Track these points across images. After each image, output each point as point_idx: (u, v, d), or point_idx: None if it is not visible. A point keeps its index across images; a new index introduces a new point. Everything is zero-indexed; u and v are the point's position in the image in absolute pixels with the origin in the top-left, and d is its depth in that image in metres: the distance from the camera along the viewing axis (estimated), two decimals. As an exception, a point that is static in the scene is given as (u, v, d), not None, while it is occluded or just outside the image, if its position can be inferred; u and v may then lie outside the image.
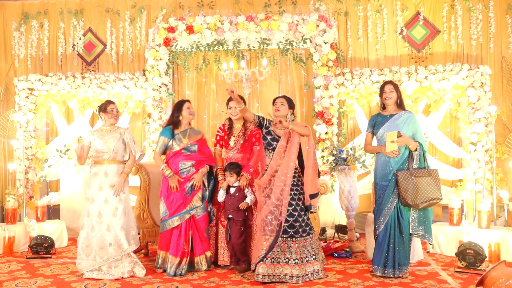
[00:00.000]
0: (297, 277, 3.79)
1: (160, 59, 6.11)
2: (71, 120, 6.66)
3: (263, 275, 3.79)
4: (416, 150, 3.92)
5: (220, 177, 4.42)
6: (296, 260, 3.84)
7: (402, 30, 6.18)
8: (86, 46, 6.70)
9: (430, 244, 4.01)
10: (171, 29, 6.01)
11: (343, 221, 5.59)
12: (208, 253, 4.32)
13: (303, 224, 3.94)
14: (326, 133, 5.83)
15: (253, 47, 6.12)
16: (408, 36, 6.20)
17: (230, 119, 4.55)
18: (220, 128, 4.63)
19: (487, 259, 4.25)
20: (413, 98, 5.88)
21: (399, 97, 4.12)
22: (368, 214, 4.71)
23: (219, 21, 5.94)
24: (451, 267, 4.32)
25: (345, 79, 5.85)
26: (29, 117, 6.23)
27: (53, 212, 6.39)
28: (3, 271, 4.33)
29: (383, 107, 4.21)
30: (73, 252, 5.13)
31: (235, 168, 4.25)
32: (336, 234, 5.55)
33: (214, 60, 6.20)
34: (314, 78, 5.95)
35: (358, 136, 6.13)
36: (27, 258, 4.81)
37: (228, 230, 4.22)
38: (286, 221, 3.86)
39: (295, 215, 3.89)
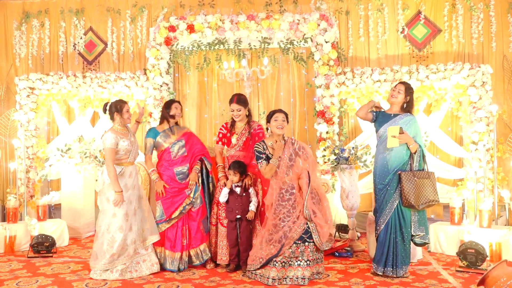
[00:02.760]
0: (308, 278, 3.81)
1: (161, 58, 6.11)
2: (72, 119, 6.67)
3: (273, 279, 3.79)
4: (416, 152, 3.94)
5: (220, 174, 4.43)
6: (309, 262, 3.85)
7: (403, 29, 6.17)
8: (87, 45, 6.70)
9: (428, 243, 4.04)
10: (172, 28, 6.00)
11: (344, 220, 5.59)
12: (203, 246, 4.36)
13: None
14: (327, 132, 5.83)
15: (254, 46, 6.11)
16: (409, 35, 6.18)
17: (232, 119, 4.56)
18: (223, 126, 4.64)
19: (488, 258, 4.26)
20: (414, 97, 5.86)
21: (407, 102, 4.09)
22: (369, 214, 4.70)
23: (220, 20, 5.94)
24: (452, 266, 4.32)
25: (346, 78, 5.84)
26: (30, 116, 6.23)
27: (54, 211, 6.41)
28: (4, 270, 4.34)
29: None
30: (74, 251, 5.14)
31: (239, 167, 4.22)
32: (337, 233, 5.54)
33: (215, 59, 6.19)
34: (315, 77, 5.94)
35: (359, 135, 6.13)
36: (28, 257, 4.82)
37: (237, 231, 4.21)
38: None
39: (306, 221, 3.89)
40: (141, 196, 4.33)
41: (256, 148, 4.03)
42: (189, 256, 4.35)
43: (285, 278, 3.80)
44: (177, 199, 4.28)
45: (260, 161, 3.98)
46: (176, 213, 4.27)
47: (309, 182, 3.90)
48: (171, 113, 4.43)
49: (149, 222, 4.29)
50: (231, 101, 4.45)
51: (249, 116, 4.53)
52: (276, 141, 3.97)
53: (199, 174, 4.43)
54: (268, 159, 3.97)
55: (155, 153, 4.50)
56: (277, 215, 3.90)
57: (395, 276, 3.92)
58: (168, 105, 4.50)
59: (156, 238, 4.26)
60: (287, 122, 4.06)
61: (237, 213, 4.17)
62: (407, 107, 4.10)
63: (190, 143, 4.45)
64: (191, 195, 4.31)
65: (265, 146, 4.03)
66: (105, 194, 4.11)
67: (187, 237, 4.33)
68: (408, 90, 4.09)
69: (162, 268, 4.28)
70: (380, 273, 3.95)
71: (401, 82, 4.17)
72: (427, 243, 4.07)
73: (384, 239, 3.95)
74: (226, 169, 4.41)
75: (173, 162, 4.34)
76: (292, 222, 3.84)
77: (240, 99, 4.42)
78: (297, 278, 3.79)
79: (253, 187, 4.28)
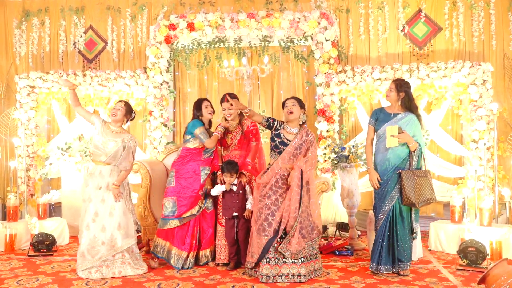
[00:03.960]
0: (304, 275, 3.80)
1: (161, 57, 6.10)
2: (72, 117, 6.66)
3: (267, 276, 3.78)
4: (415, 151, 3.93)
5: (218, 172, 4.44)
6: (303, 259, 3.84)
7: (403, 27, 6.16)
8: (87, 44, 6.69)
9: (415, 233, 4.03)
10: (172, 27, 6.00)
11: (345, 219, 5.59)
12: (213, 246, 4.41)
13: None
14: (327, 131, 5.83)
15: (254, 44, 6.10)
16: (410, 33, 6.17)
17: (225, 118, 4.57)
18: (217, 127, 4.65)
19: (488, 257, 4.25)
20: (414, 95, 5.86)
21: (402, 98, 4.02)
22: (370, 212, 4.70)
23: (220, 19, 5.93)
24: (452, 264, 4.32)
25: (347, 76, 5.83)
26: (30, 114, 6.23)
27: (54, 210, 6.41)
28: (4, 268, 4.34)
29: None
30: (75, 250, 5.14)
31: (234, 167, 4.24)
32: (337, 232, 5.54)
33: (215, 58, 6.18)
34: (316, 75, 5.93)
35: (359, 134, 6.12)
36: (28, 255, 4.82)
37: (235, 229, 4.21)
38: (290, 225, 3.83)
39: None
40: (125, 198, 4.17)
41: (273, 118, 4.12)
42: (199, 256, 4.38)
43: (280, 276, 3.78)
44: (193, 199, 4.31)
45: (268, 118, 4.08)
46: (189, 213, 4.29)
47: (301, 185, 3.83)
48: (203, 114, 4.45)
49: (126, 227, 4.09)
50: (222, 101, 4.48)
51: (240, 114, 4.53)
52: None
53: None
54: (270, 127, 4.05)
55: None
56: (263, 200, 3.88)
57: (395, 273, 3.92)
58: (198, 105, 4.48)
59: (133, 241, 4.10)
60: (300, 107, 4.04)
61: (234, 211, 4.18)
62: (406, 104, 4.04)
63: (215, 151, 4.54)
64: (203, 196, 4.36)
65: (282, 125, 4.05)
66: (83, 191, 4.18)
67: (197, 238, 4.35)
68: (399, 86, 4.03)
69: (165, 262, 4.30)
70: (381, 271, 3.94)
71: (392, 80, 4.16)
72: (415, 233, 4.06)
73: (383, 236, 3.95)
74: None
75: (201, 161, 4.39)
76: (272, 219, 3.83)
77: (231, 98, 4.41)
78: (293, 275, 3.79)
79: (249, 184, 4.29)
